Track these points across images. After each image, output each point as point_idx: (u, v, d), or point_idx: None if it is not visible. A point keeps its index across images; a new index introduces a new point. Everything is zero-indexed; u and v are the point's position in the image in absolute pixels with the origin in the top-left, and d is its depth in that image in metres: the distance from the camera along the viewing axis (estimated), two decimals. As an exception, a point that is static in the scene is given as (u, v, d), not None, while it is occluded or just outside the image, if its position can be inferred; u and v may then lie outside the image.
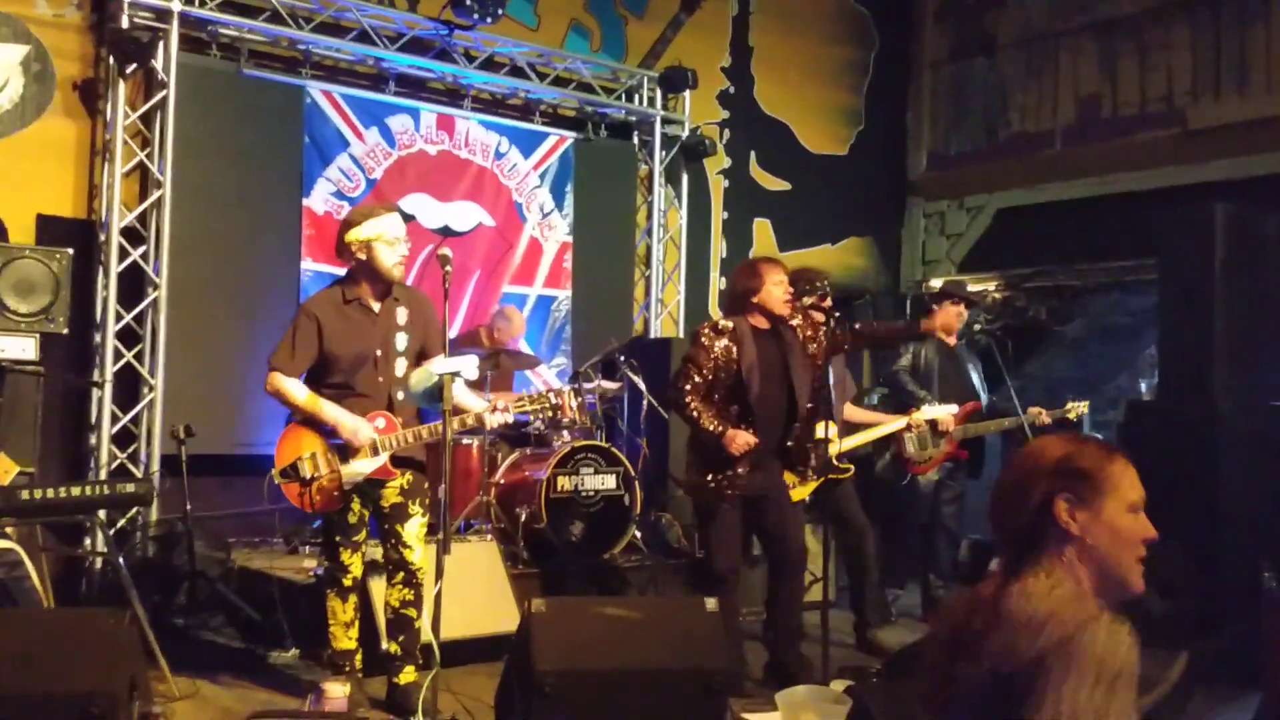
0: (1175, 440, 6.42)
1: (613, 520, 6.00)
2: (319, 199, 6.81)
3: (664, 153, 8.26)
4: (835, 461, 5.20)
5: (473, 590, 5.03)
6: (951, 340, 6.39)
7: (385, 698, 4.34)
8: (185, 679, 4.57)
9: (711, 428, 4.62)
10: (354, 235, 4.17)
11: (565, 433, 6.19)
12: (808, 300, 4.79)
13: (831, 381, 5.23)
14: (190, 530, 5.54)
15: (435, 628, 3.67)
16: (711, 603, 3.52)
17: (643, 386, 6.70)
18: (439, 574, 3.67)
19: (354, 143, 6.94)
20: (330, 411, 4.13)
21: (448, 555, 3.64)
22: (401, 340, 4.24)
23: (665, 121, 8.24)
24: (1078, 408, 6.57)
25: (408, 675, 4.31)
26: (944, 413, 5.93)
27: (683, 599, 4.12)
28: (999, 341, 6.48)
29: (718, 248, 8.87)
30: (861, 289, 9.55)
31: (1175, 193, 7.85)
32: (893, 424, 5.90)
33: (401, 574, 4.29)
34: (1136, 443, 6.92)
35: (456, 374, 3.78)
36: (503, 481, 6.10)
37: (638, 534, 6.14)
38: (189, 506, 5.53)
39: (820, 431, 5.18)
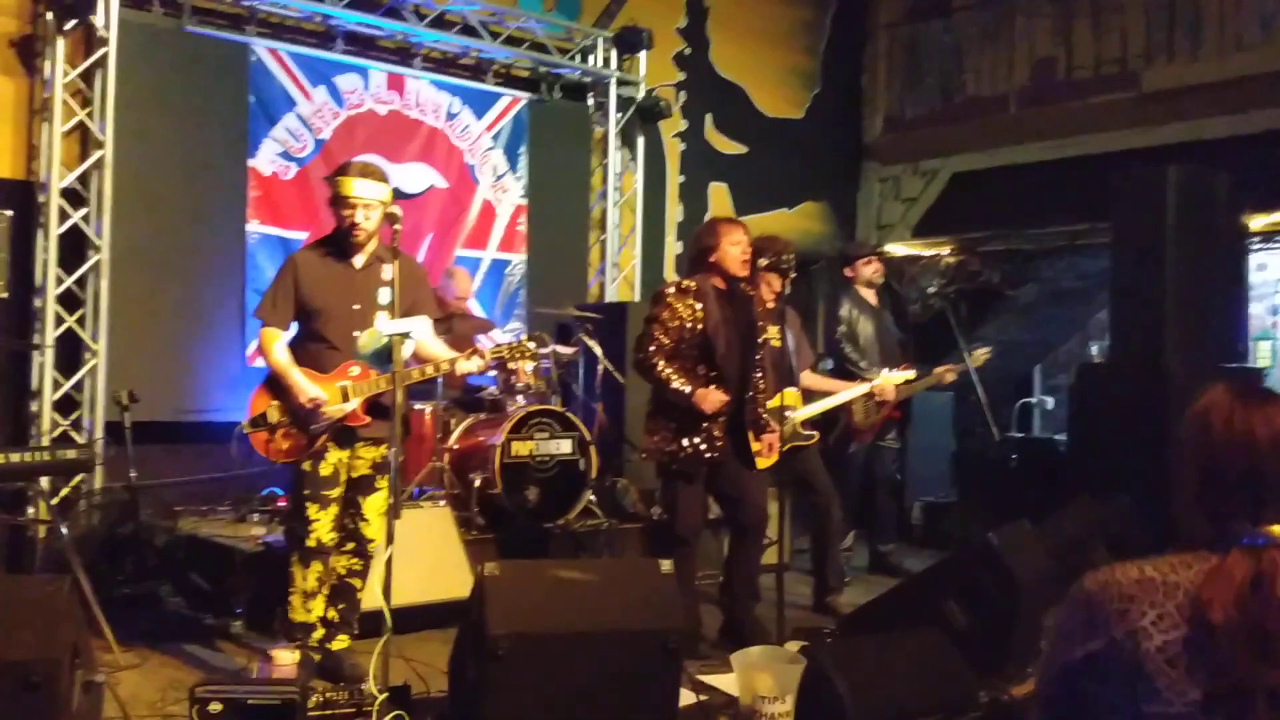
0: (1127, 402, 6.47)
1: (568, 485, 5.94)
2: (265, 160, 6.65)
3: (619, 115, 8.17)
4: (799, 428, 5.18)
5: (426, 556, 4.97)
6: (874, 300, 6.38)
7: (320, 660, 4.26)
8: (131, 649, 4.48)
9: (682, 387, 4.57)
10: (329, 188, 4.16)
11: (520, 397, 6.12)
12: (764, 262, 4.73)
13: (790, 348, 5.21)
14: (135, 498, 5.45)
15: (386, 593, 3.60)
16: (666, 564, 3.49)
17: (599, 351, 6.63)
18: (389, 539, 3.60)
19: (301, 102, 6.78)
20: (294, 378, 4.07)
21: (398, 520, 3.56)
22: (384, 295, 4.12)
23: (620, 83, 8.14)
24: (979, 355, 6.54)
25: (341, 642, 4.27)
26: (901, 378, 5.92)
27: (637, 560, 4.08)
28: (953, 305, 6.48)
29: (674, 212, 8.80)
30: (817, 254, 9.52)
31: (1129, 156, 7.87)
32: (855, 390, 5.86)
33: (353, 544, 4.23)
34: (1088, 405, 6.98)
35: (406, 335, 3.69)
36: (456, 447, 6.02)
37: (593, 499, 6.09)
38: (134, 474, 5.43)
39: (783, 399, 5.17)
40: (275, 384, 4.13)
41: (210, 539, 5.54)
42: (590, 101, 8.22)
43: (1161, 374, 6.36)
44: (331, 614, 4.28)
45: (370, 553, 4.25)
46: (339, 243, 4.19)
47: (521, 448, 5.80)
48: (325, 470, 4.13)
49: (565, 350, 6.70)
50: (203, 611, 5.24)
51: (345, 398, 4.09)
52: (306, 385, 4.06)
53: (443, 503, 5.42)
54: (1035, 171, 8.72)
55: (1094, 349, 9.25)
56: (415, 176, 7.24)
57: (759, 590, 4.97)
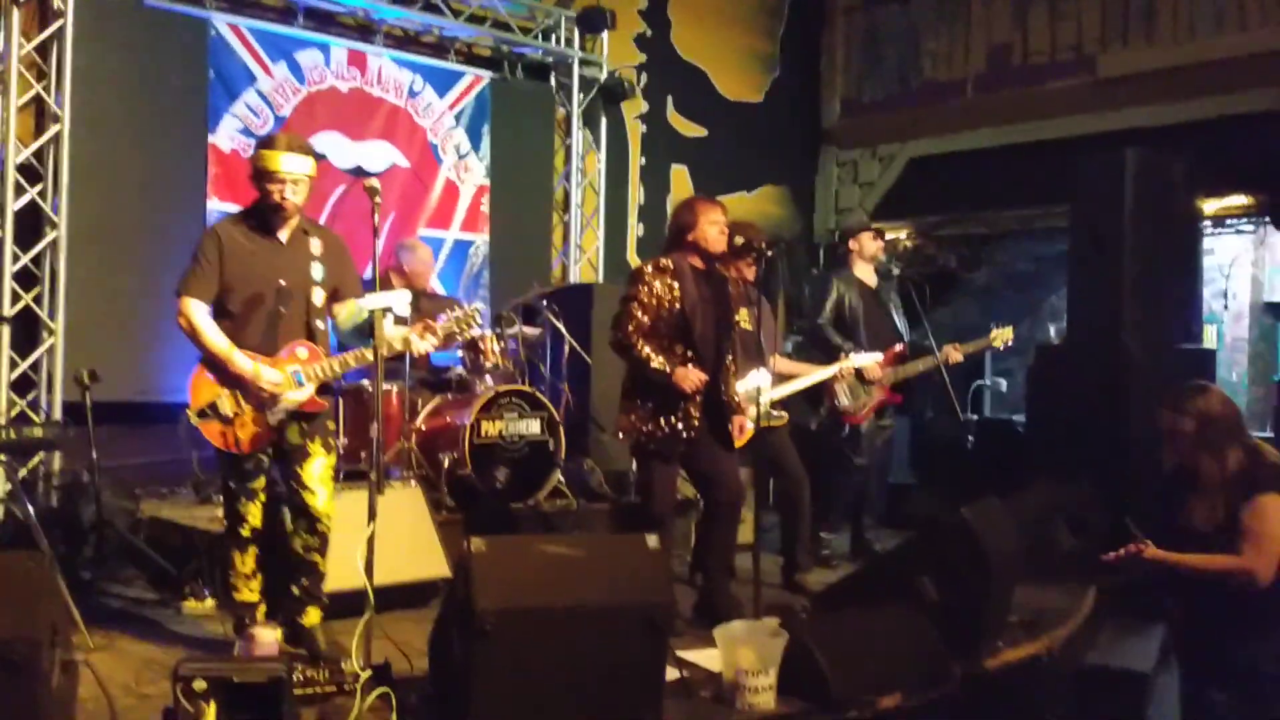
0: (1084, 383, 6.58)
1: (537, 465, 5.92)
2: (225, 136, 6.55)
3: (581, 95, 8.13)
4: (769, 409, 5.19)
5: (397, 536, 4.91)
6: (873, 281, 6.38)
7: (287, 640, 4.20)
8: (98, 631, 4.39)
9: (661, 366, 4.56)
10: (252, 160, 4.00)
11: (488, 377, 6.08)
12: (740, 241, 4.74)
13: (761, 331, 5.22)
14: (96, 480, 5.33)
15: (369, 570, 3.57)
16: (653, 539, 3.48)
17: (565, 332, 6.61)
18: (371, 515, 3.56)
19: (261, 78, 6.68)
20: (244, 364, 3.92)
21: (381, 496, 3.53)
22: (318, 270, 4.05)
23: (583, 63, 8.11)
24: (1003, 334, 6.44)
25: (311, 616, 4.17)
26: (869, 360, 5.94)
27: (623, 536, 4.07)
28: (916, 286, 6.52)
29: (635, 194, 8.79)
30: (776, 238, 9.55)
31: (1086, 141, 7.99)
32: (821, 372, 5.88)
33: (304, 520, 4.11)
34: (1046, 386, 7.09)
35: (388, 309, 3.65)
36: (424, 427, 5.97)
37: (561, 479, 6.08)
38: (95, 455, 5.31)
39: (754, 380, 5.18)
40: (216, 366, 3.96)
41: (173, 521, 5.45)
42: (553, 82, 8.18)
43: (1120, 355, 6.47)
44: (295, 589, 4.19)
45: (323, 528, 4.13)
46: (262, 216, 4.03)
47: (491, 428, 5.77)
48: (250, 464, 4.03)
49: (531, 331, 6.67)
50: (168, 594, 5.14)
51: (299, 383, 3.98)
52: (265, 370, 3.93)
53: (413, 483, 5.37)
54: (991, 156, 8.82)
55: (1052, 330, 9.38)
56: (377, 155, 7.17)
57: (734, 566, 4.98)
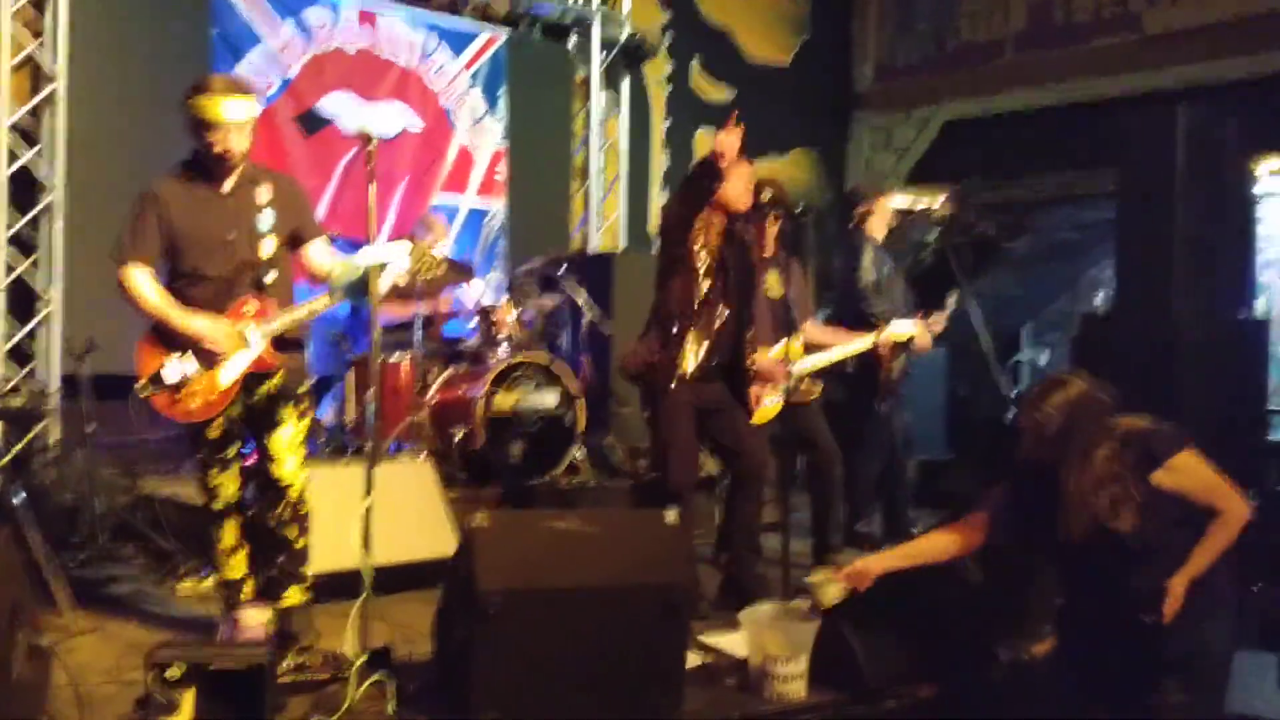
0: (1133, 353, 6.22)
1: (554, 440, 5.66)
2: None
3: (603, 55, 7.81)
4: (800, 382, 4.87)
5: (406, 513, 4.65)
6: (882, 242, 6.00)
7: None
8: (89, 613, 4.17)
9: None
10: (187, 107, 3.61)
11: (503, 348, 5.81)
12: (768, 195, 4.41)
13: (791, 297, 4.91)
14: (94, 455, 5.11)
15: (365, 547, 3.30)
16: (671, 514, 3.20)
17: (584, 302, 6.32)
18: (367, 489, 3.29)
19: (267, 37, 6.41)
20: (182, 319, 3.62)
21: (379, 468, 3.26)
22: (265, 219, 3.72)
23: (604, 22, 7.78)
24: (953, 300, 5.94)
25: (291, 597, 3.84)
26: (911, 328, 5.53)
27: (638, 511, 3.78)
28: (957, 253, 6.17)
29: (658, 159, 8.47)
30: (805, 205, 9.21)
31: (1130, 101, 7.60)
32: (859, 342, 5.41)
33: (272, 492, 3.81)
34: (1092, 357, 6.73)
35: (384, 266, 3.37)
36: (436, 400, 5.71)
37: (580, 454, 5.81)
38: (88, 429, 5.08)
39: (783, 350, 4.87)
40: (163, 333, 3.66)
41: (173, 499, 5.21)
42: (572, 42, 7.86)
43: (1171, 324, 6.11)
44: (274, 570, 3.88)
45: (294, 499, 3.83)
46: (203, 167, 3.70)
47: (505, 401, 5.51)
48: (213, 431, 3.73)
49: (547, 301, 6.39)
50: (167, 574, 4.91)
51: (248, 341, 3.68)
52: (206, 324, 3.62)
53: (423, 457, 5.11)
54: (1031, 119, 8.45)
55: (1097, 299, 9.00)
56: (389, 117, 6.88)
57: (760, 545, 4.69)
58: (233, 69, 6.26)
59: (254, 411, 3.76)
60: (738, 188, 4.40)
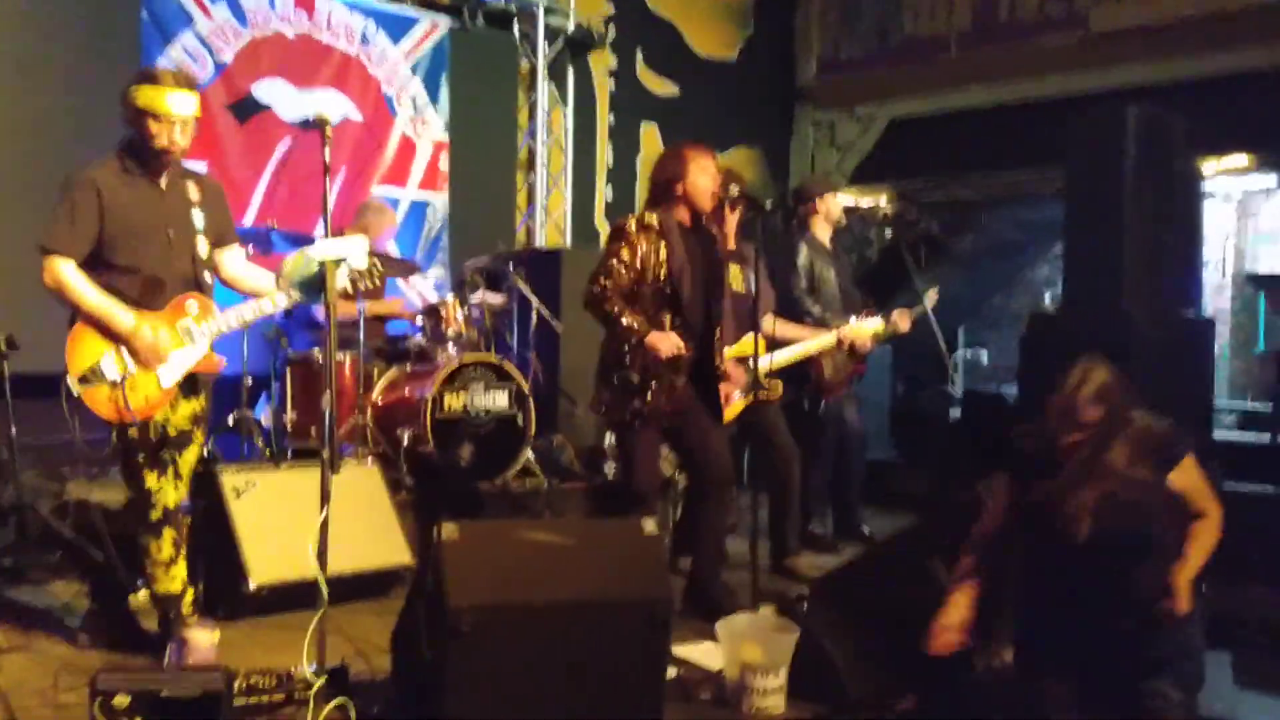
0: (1082, 351, 6.18)
1: (505, 442, 5.47)
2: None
3: (547, 46, 7.62)
4: (763, 380, 4.75)
5: (352, 520, 4.40)
6: (829, 243, 5.92)
7: None
8: (14, 629, 3.89)
9: (631, 325, 4.08)
10: (130, 96, 3.45)
11: (450, 347, 5.60)
12: (735, 190, 4.27)
13: (753, 292, 4.77)
14: (15, 458, 4.80)
15: (322, 561, 3.09)
16: (650, 524, 3.04)
17: (533, 298, 6.13)
18: (325, 498, 3.08)
19: (199, 19, 6.11)
20: (124, 321, 3.44)
21: (335, 475, 3.05)
22: (199, 218, 3.60)
23: (548, 11, 7.58)
24: (930, 295, 5.97)
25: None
26: (876, 325, 5.48)
27: (618, 520, 3.62)
28: (911, 249, 6.10)
29: (604, 154, 8.29)
30: (773, 199, 9.12)
31: (1077, 100, 7.60)
32: (823, 339, 5.37)
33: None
34: (1042, 355, 6.71)
35: (341, 260, 3.16)
36: (381, 401, 5.49)
37: (531, 457, 5.62)
38: (14, 431, 4.77)
39: (745, 347, 4.74)
40: (97, 325, 3.46)
41: (104, 505, 4.92)
42: (516, 31, 7.65)
43: (1122, 322, 6.11)
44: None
45: (180, 523, 3.69)
46: (139, 159, 3.53)
47: (455, 401, 5.31)
48: (154, 433, 3.55)
49: (495, 298, 6.19)
50: (98, 585, 4.62)
51: (192, 338, 3.53)
52: (145, 325, 3.45)
53: (370, 461, 4.88)
54: (977, 117, 8.43)
55: (1046, 298, 9.04)
56: (328, 105, 6.62)
57: (726, 553, 4.55)
58: (163, 52, 5.98)
59: (174, 431, 3.61)
60: (703, 182, 4.25)
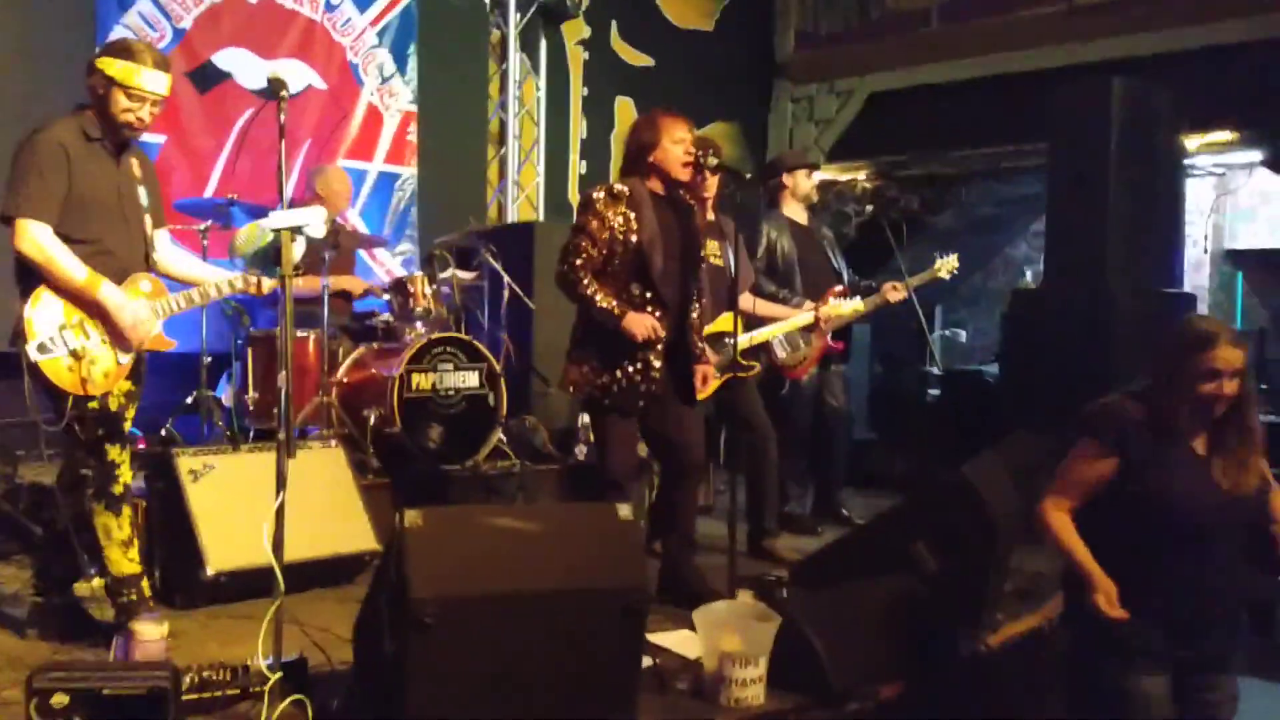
0: (1065, 328, 6.11)
1: (475, 422, 5.29)
2: (115, 50, 5.73)
3: (519, 15, 7.40)
4: (739, 358, 4.61)
5: (315, 504, 4.25)
6: (804, 220, 5.76)
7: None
8: (-41, 620, 3.72)
9: (608, 307, 3.94)
10: (102, 65, 3.33)
11: (418, 324, 5.42)
12: (713, 162, 4.11)
13: (731, 268, 4.62)
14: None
15: (277, 551, 2.93)
16: (625, 509, 2.88)
17: (505, 274, 5.96)
18: (280, 483, 2.92)
19: (156, -16, 5.88)
20: (112, 297, 3.33)
21: (292, 459, 2.89)
22: (143, 195, 3.52)
23: (521, -23, 7.38)
24: (947, 264, 5.79)
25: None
26: (856, 304, 5.35)
27: (591, 505, 3.46)
28: (892, 225, 5.96)
29: (577, 127, 8.10)
30: (752, 169, 8.95)
31: (1059, 74, 7.46)
32: (800, 317, 5.23)
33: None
34: (1024, 333, 6.61)
35: (298, 230, 2.98)
36: (346, 380, 5.31)
37: (503, 438, 5.46)
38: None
39: (723, 324, 4.60)
40: (66, 291, 3.31)
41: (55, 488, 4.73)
42: (487, -1, 7.45)
43: (1105, 299, 6.01)
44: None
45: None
46: (103, 130, 3.40)
47: (423, 381, 5.14)
48: (114, 404, 3.45)
49: (465, 274, 6.01)
50: (50, 572, 4.44)
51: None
52: (129, 309, 3.37)
53: (334, 443, 4.71)
54: (957, 91, 8.27)
55: (1027, 274, 8.93)
56: (291, 74, 6.38)
57: (695, 537, 4.41)
58: (119, 19, 5.74)
59: (116, 403, 3.48)
60: (676, 151, 4.08)
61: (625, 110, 8.35)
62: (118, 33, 5.73)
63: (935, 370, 8.89)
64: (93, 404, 3.38)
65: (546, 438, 5.92)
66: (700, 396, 4.33)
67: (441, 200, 7.03)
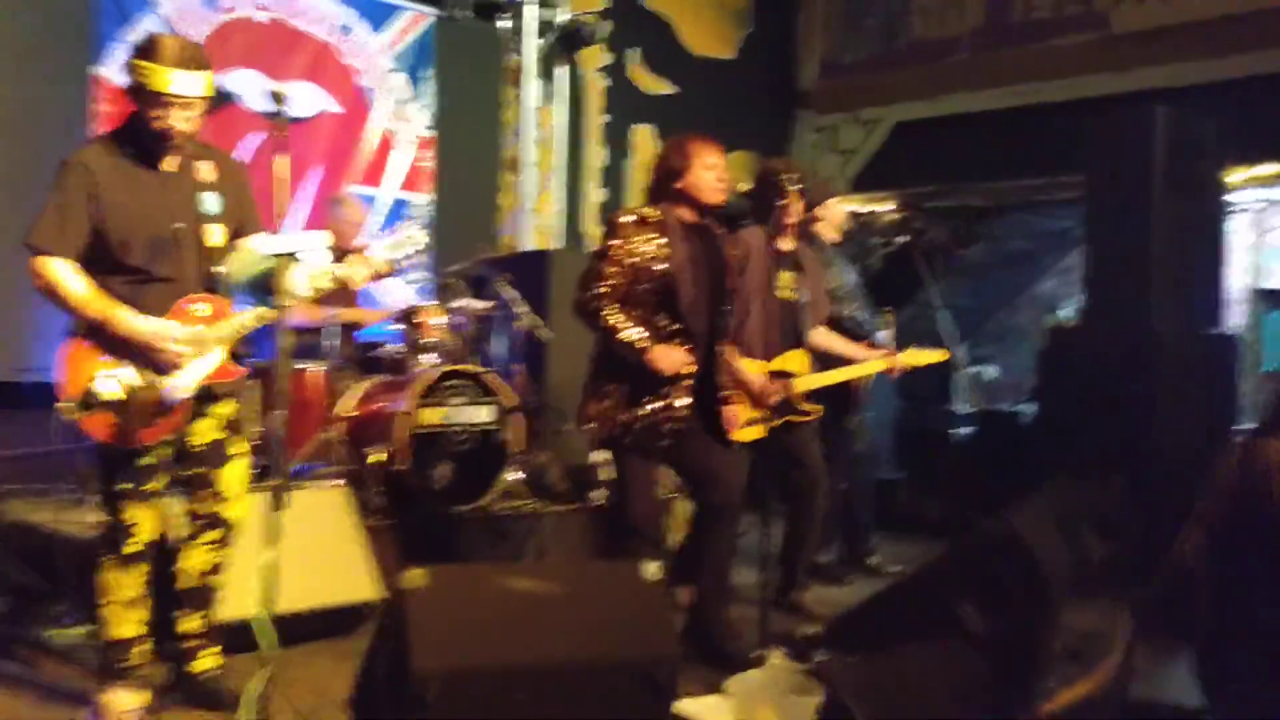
0: (1107, 368, 5.83)
1: (487, 460, 5.01)
2: (116, 67, 5.50)
3: (538, 40, 7.19)
4: (799, 400, 4.33)
5: (316, 550, 3.98)
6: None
7: (178, 689, 3.29)
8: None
9: (633, 340, 3.66)
10: (131, 67, 3.01)
11: (429, 356, 5.15)
12: (794, 183, 3.89)
13: (802, 300, 4.35)
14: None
15: (267, 609, 2.65)
16: (652, 568, 2.59)
17: (519, 305, 5.69)
18: (274, 535, 2.64)
19: (161, 1, 5.66)
20: (126, 318, 2.99)
21: (286, 508, 2.61)
22: (212, 202, 3.12)
23: (540, 4, 7.15)
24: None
25: (207, 660, 3.30)
26: (936, 357, 5.03)
27: (612, 564, 3.16)
28: (926, 257, 5.69)
29: (595, 154, 7.86)
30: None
31: (1096, 103, 7.21)
32: (874, 364, 4.86)
33: (212, 534, 3.25)
34: (1062, 372, 6.32)
35: (293, 257, 2.71)
36: (352, 415, 5.03)
37: (516, 477, 5.17)
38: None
39: (790, 361, 4.36)
40: (98, 337, 3.02)
41: (41, 526, 4.46)
42: (505, 24, 7.21)
43: (1150, 337, 5.71)
44: (191, 624, 3.30)
45: (233, 540, 3.30)
46: (138, 141, 3.09)
47: (432, 415, 4.86)
48: (148, 459, 3.10)
49: (479, 304, 5.74)
50: (31, 617, 4.16)
51: (204, 347, 3.10)
52: (157, 323, 3.01)
53: (336, 483, 4.43)
54: (989, 121, 8.02)
55: (1062, 312, 8.62)
56: (302, 98, 6.17)
57: (731, 588, 4.10)
58: (120, 36, 5.54)
59: (200, 445, 3.19)
60: (708, 178, 3.84)
61: (645, 138, 8.11)
62: (119, 50, 5.53)
63: (963, 408, 8.59)
64: (120, 456, 3.08)
65: (560, 474, 5.63)
66: (747, 436, 4.07)
67: (456, 228, 6.78)
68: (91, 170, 3.02)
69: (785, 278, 4.35)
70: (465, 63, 6.95)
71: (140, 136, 3.07)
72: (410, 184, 6.67)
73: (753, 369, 4.28)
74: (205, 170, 3.15)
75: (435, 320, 5.15)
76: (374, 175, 6.52)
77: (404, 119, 6.65)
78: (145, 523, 3.14)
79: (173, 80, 2.95)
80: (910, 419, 8.20)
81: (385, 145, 6.57)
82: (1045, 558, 3.65)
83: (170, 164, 3.13)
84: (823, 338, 4.78)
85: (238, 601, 3.54)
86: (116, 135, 3.14)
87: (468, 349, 5.45)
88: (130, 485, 3.09)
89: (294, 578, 3.29)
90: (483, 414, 5.00)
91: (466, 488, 4.94)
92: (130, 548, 3.13)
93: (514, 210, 7.31)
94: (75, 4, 5.42)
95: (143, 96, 3.00)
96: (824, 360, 4.74)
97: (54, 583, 4.20)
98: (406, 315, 5.22)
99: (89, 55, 5.44)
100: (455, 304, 5.45)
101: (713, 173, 3.85)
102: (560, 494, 5.46)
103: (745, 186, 4.04)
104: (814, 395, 4.61)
